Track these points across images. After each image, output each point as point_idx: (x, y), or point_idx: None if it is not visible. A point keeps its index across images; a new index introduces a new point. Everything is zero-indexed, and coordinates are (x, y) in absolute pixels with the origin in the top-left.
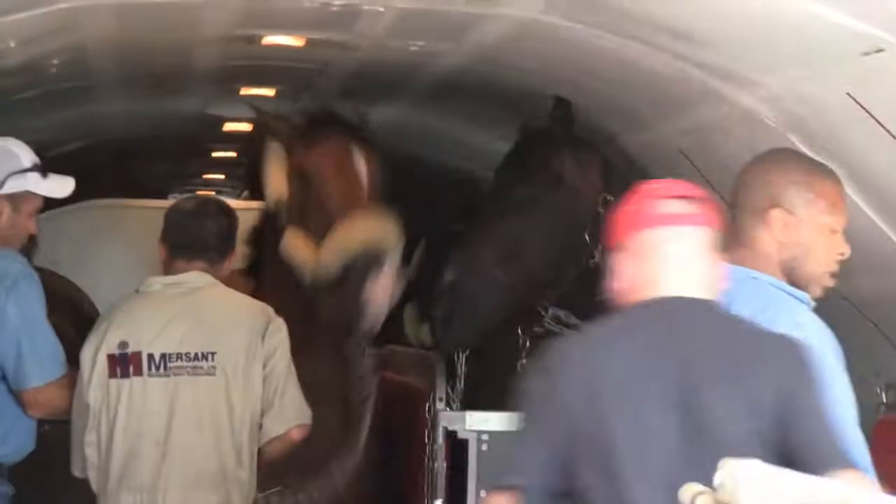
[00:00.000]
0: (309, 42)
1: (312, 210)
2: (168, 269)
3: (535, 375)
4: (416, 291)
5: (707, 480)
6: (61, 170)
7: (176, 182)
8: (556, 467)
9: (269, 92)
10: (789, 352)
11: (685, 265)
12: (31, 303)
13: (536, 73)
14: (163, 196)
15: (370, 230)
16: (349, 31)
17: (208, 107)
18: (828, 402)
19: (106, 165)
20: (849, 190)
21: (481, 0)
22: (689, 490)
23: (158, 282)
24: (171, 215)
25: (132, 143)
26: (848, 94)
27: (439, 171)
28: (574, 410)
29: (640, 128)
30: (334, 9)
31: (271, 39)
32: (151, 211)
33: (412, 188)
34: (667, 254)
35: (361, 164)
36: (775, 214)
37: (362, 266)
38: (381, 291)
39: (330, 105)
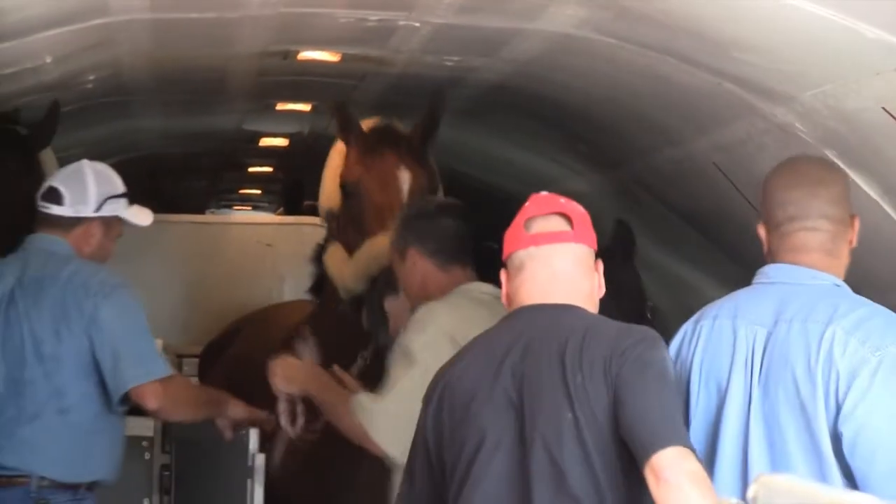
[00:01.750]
0: (344, 57)
1: (351, 224)
2: (439, 278)
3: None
4: None
5: (534, 477)
6: None
7: (212, 197)
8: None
9: (304, 107)
10: (619, 342)
11: (552, 280)
12: (130, 309)
13: (572, 89)
14: (199, 211)
15: None
16: (385, 47)
17: (244, 122)
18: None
19: (141, 181)
20: (884, 205)
21: (516, 16)
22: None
23: (488, 291)
24: (428, 221)
25: (168, 158)
26: (884, 108)
27: (477, 189)
28: (434, 434)
29: (674, 142)
30: (370, 24)
31: (307, 55)
32: (188, 226)
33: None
34: (535, 270)
35: (406, 183)
36: (856, 223)
37: (384, 283)
38: (402, 308)
39: (390, 119)
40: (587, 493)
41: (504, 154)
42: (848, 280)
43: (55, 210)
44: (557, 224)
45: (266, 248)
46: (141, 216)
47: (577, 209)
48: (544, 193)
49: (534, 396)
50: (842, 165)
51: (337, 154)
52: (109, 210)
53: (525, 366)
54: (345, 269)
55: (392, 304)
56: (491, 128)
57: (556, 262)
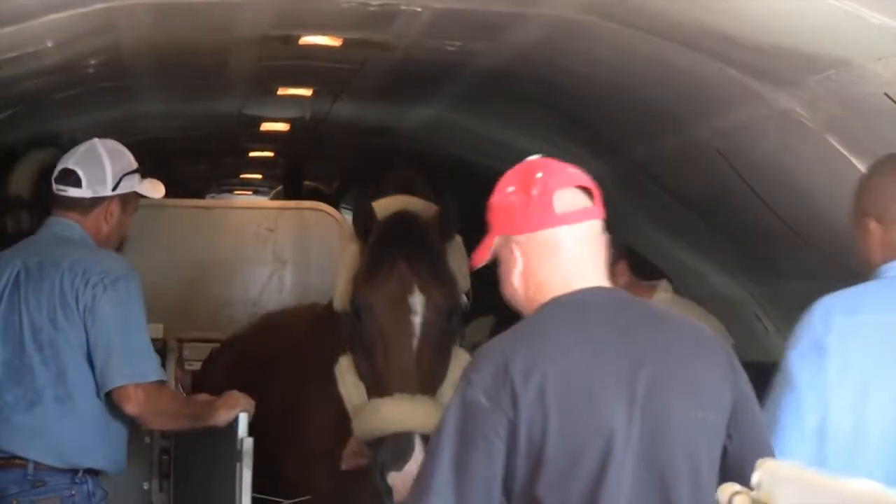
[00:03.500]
0: (346, 42)
1: (361, 350)
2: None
3: (473, 388)
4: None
5: (665, 479)
6: None
7: (213, 182)
8: (496, 488)
9: (305, 92)
10: (724, 349)
11: (588, 259)
12: (130, 302)
13: (573, 74)
14: (200, 196)
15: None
16: (386, 31)
17: (245, 107)
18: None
19: (143, 165)
20: None
21: (518, 0)
22: (726, 490)
23: None
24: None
25: (168, 143)
26: (886, 94)
27: (478, 172)
28: (531, 422)
29: (676, 128)
30: (372, 9)
31: (308, 40)
32: (188, 211)
33: (450, 190)
34: (574, 251)
35: (419, 311)
36: None
37: (388, 452)
38: (406, 480)
39: (408, 200)
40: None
41: (505, 139)
42: (855, 266)
43: (73, 192)
44: (583, 199)
45: (267, 233)
46: (155, 189)
47: (590, 180)
48: (550, 161)
49: (660, 394)
50: (844, 151)
51: (350, 248)
52: (126, 187)
53: (642, 363)
54: (355, 408)
55: (395, 478)
56: (492, 113)
57: (589, 241)
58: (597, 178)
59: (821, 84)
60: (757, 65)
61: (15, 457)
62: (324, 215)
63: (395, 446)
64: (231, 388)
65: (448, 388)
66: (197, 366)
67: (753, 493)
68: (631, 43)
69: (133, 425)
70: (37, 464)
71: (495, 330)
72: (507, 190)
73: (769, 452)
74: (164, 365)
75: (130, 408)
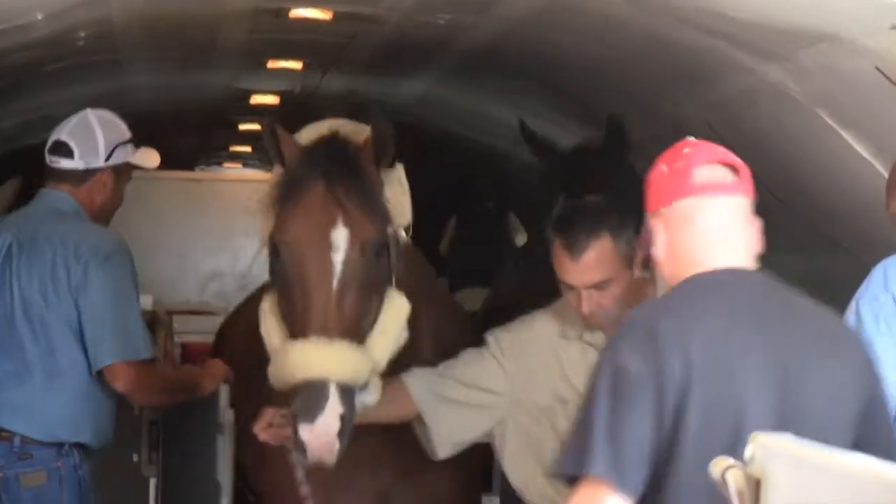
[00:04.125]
0: (336, 15)
1: (279, 291)
2: None
3: (622, 354)
4: (447, 266)
5: None
6: None
7: (202, 154)
8: (648, 453)
9: (296, 65)
10: (859, 342)
11: (731, 235)
12: (122, 280)
13: (563, 48)
14: (189, 168)
15: None
16: (377, 5)
17: (235, 80)
18: None
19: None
20: (877, 165)
21: None
22: (719, 464)
23: None
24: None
25: (159, 115)
26: (877, 67)
27: (468, 147)
28: (676, 391)
29: (668, 101)
30: None
31: (299, 12)
32: (178, 183)
33: (440, 163)
34: (713, 223)
35: (342, 249)
36: None
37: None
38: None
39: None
40: None
41: (495, 113)
42: (846, 241)
43: (65, 164)
44: (726, 175)
45: (252, 206)
46: (150, 159)
47: (738, 159)
48: (702, 142)
49: (808, 377)
50: (834, 125)
51: (272, 177)
52: (119, 157)
53: (784, 345)
54: (273, 352)
55: (307, 432)
56: (483, 87)
57: (730, 215)
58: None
59: (811, 58)
60: (747, 38)
61: (2, 430)
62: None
63: (307, 396)
64: (245, 359)
65: (379, 335)
66: (186, 338)
67: (746, 468)
68: (620, 17)
69: (122, 399)
70: (23, 437)
71: (488, 302)
72: (658, 168)
73: (894, 451)
74: (153, 337)
75: (121, 386)
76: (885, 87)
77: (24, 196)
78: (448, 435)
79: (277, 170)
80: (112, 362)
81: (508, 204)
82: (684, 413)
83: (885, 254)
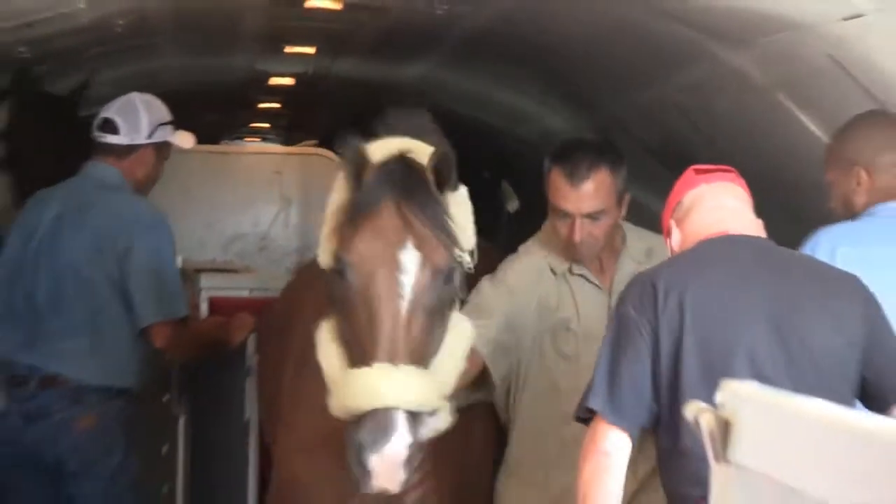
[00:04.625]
0: (346, 5)
1: (342, 314)
2: None
3: (625, 303)
4: None
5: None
6: None
7: (226, 130)
8: (645, 391)
9: (310, 50)
10: (860, 283)
11: (730, 210)
12: (162, 247)
13: (550, 35)
14: (214, 142)
15: None
16: None
17: (256, 63)
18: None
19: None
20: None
21: None
22: (692, 408)
23: None
24: None
25: (187, 95)
26: (829, 55)
27: (466, 124)
28: (672, 335)
29: (642, 84)
30: None
31: (313, 3)
32: (205, 155)
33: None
34: (711, 203)
35: (411, 270)
36: None
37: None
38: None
39: (408, 145)
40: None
41: (490, 93)
42: (804, 214)
43: (111, 139)
44: (718, 172)
45: (275, 175)
46: (186, 140)
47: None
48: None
49: (805, 321)
50: (792, 106)
51: (337, 196)
52: (160, 136)
53: (780, 288)
54: (334, 381)
55: (375, 462)
56: (478, 69)
57: (726, 195)
58: (571, 128)
59: (772, 44)
60: (712, 26)
61: (58, 376)
62: (325, 160)
63: (374, 424)
64: (280, 343)
65: (445, 360)
66: (212, 293)
67: (717, 412)
68: (603, 6)
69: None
70: (78, 383)
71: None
72: (672, 190)
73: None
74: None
75: (159, 343)
76: (837, 73)
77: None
78: (497, 374)
79: (342, 188)
80: (152, 322)
81: (503, 173)
82: (681, 354)
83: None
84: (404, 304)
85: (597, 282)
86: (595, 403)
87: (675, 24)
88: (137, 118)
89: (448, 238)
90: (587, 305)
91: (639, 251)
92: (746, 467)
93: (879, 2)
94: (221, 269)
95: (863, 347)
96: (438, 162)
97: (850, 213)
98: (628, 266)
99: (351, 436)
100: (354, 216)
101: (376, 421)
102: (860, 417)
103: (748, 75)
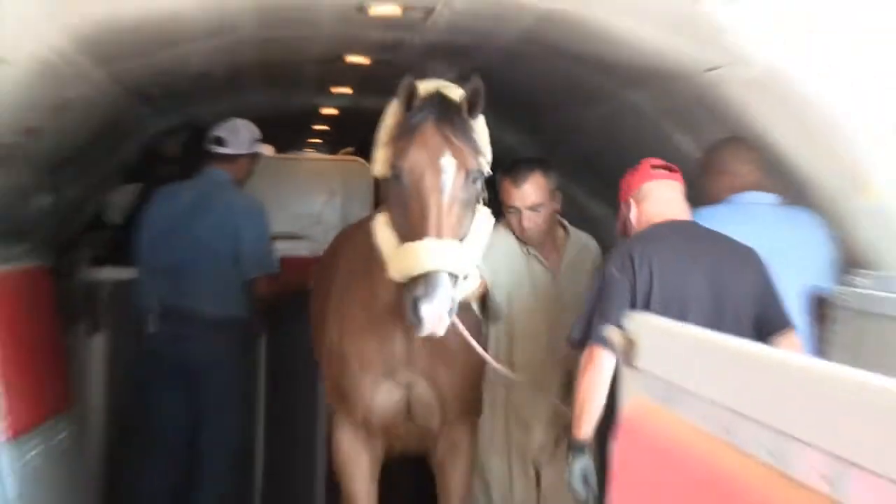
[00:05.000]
0: (373, 62)
1: (397, 207)
2: None
3: (611, 266)
4: None
5: (722, 320)
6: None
7: (292, 144)
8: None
9: (348, 90)
10: (754, 251)
11: (674, 201)
12: (262, 224)
13: (511, 78)
14: (283, 152)
15: None
16: (396, 52)
17: (311, 99)
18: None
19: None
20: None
21: (478, 35)
22: (611, 332)
23: None
24: None
25: (265, 118)
26: (697, 95)
27: None
28: (640, 295)
29: (574, 113)
30: (384, 46)
31: (351, 59)
32: (278, 161)
33: None
34: (663, 195)
35: (451, 175)
36: None
37: (419, 287)
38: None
39: (438, 83)
40: (749, 336)
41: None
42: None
43: (221, 150)
44: (666, 171)
45: (323, 175)
46: (269, 150)
47: (670, 164)
48: (655, 160)
49: (725, 277)
50: (671, 130)
51: (391, 115)
52: (254, 148)
53: (718, 263)
54: (390, 255)
55: (427, 310)
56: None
57: (671, 191)
58: (524, 144)
59: (658, 87)
60: (619, 74)
61: (192, 310)
62: (357, 164)
63: (427, 282)
64: (329, 283)
65: (473, 239)
66: (283, 253)
67: (625, 334)
68: (551, 61)
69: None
70: (203, 314)
71: None
72: (628, 173)
73: (786, 318)
74: None
75: (260, 289)
76: (703, 108)
77: (147, 195)
78: (495, 296)
79: (395, 111)
80: (255, 276)
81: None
82: (650, 303)
83: None
84: (445, 197)
85: (545, 263)
86: (591, 334)
87: (594, 72)
88: (239, 136)
89: (475, 150)
90: (535, 277)
91: (579, 244)
92: (643, 369)
93: (730, 59)
94: (289, 237)
95: (758, 294)
96: (471, 93)
97: (715, 202)
98: (572, 254)
99: (407, 293)
100: (405, 133)
101: (427, 280)
102: (719, 337)
103: (642, 108)
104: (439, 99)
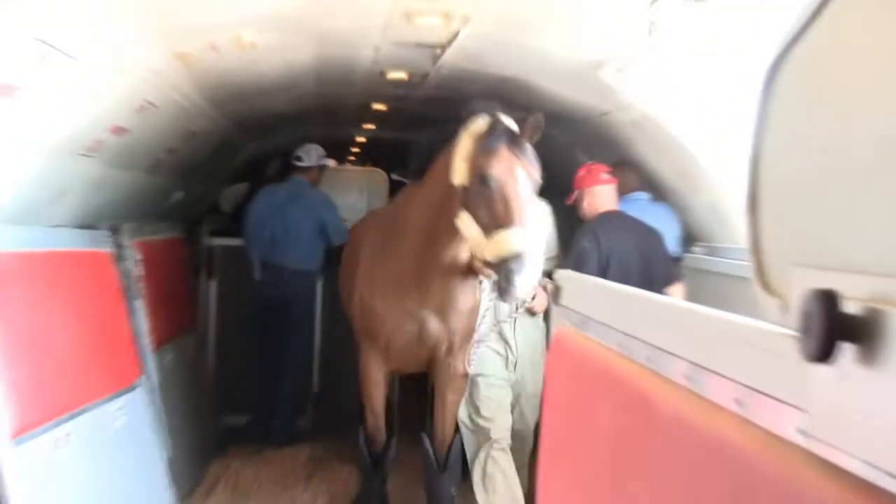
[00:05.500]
0: (390, 108)
1: (483, 206)
2: None
3: (584, 241)
4: None
5: (647, 278)
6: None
7: (338, 160)
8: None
9: (373, 126)
10: (657, 230)
11: (612, 198)
12: (334, 210)
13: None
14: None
15: None
16: (406, 101)
17: (349, 131)
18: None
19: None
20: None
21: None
22: (544, 281)
23: None
24: None
25: (320, 142)
26: (596, 132)
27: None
28: (603, 259)
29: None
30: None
31: (375, 107)
32: (332, 171)
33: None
34: (606, 193)
35: (529, 182)
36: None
37: (512, 263)
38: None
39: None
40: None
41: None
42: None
43: (301, 164)
44: (607, 175)
45: (358, 181)
46: (333, 163)
47: (610, 169)
48: (597, 164)
49: (650, 253)
50: (580, 156)
51: (467, 141)
52: (321, 162)
53: (642, 238)
54: (481, 242)
55: (520, 279)
56: (432, 127)
57: (611, 190)
58: None
59: (568, 123)
60: (546, 115)
61: (285, 264)
62: (379, 174)
63: (519, 259)
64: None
65: (539, 228)
66: None
67: (555, 282)
68: (504, 107)
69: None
70: (295, 267)
71: None
72: (581, 170)
73: (675, 274)
74: None
75: (340, 251)
76: (599, 140)
77: (250, 193)
78: None
79: (470, 137)
80: (340, 243)
81: None
82: (608, 271)
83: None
84: (524, 196)
85: None
86: None
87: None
88: (311, 154)
89: (534, 166)
90: None
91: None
92: (566, 306)
93: (617, 107)
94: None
95: (661, 259)
96: (532, 124)
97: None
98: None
99: (502, 269)
100: (485, 152)
101: (520, 258)
102: (611, 284)
103: (558, 139)
104: (505, 127)
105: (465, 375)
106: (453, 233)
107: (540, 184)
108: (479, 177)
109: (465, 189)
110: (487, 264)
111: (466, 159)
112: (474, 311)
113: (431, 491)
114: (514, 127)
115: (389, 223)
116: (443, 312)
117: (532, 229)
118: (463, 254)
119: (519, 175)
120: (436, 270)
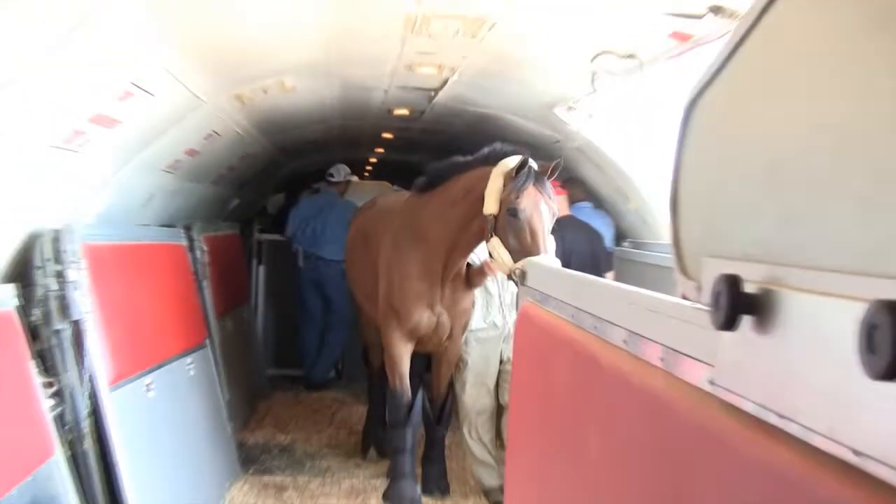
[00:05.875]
0: (395, 137)
1: (512, 234)
2: None
3: (561, 237)
4: None
5: (594, 265)
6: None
7: (357, 175)
8: None
9: (383, 150)
10: (598, 232)
11: (564, 206)
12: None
13: (458, 132)
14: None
15: None
16: (412, 125)
17: (364, 154)
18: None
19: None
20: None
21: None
22: (513, 266)
23: None
24: None
25: (343, 161)
26: (551, 157)
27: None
28: (569, 251)
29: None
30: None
31: (384, 136)
32: (354, 184)
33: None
34: (562, 203)
35: (552, 214)
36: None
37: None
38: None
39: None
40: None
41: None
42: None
43: (332, 179)
44: (562, 190)
45: (370, 191)
46: (354, 178)
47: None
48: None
49: (596, 248)
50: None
51: (498, 178)
52: (347, 177)
53: (589, 237)
54: (508, 264)
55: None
56: (423, 150)
57: (562, 200)
58: None
59: (532, 150)
60: (514, 143)
61: (322, 256)
62: (387, 185)
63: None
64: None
65: (552, 251)
66: None
67: (523, 267)
68: (480, 137)
69: None
70: (330, 258)
71: None
72: (557, 187)
73: (609, 265)
74: None
75: None
76: (544, 161)
77: (287, 201)
78: None
79: (500, 173)
80: None
81: None
82: (570, 262)
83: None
84: (546, 228)
85: None
86: None
87: (501, 143)
88: (340, 172)
89: (554, 202)
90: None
91: None
92: (531, 287)
93: (566, 137)
94: None
95: (601, 254)
96: (554, 167)
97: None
98: None
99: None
100: (515, 189)
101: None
102: (565, 271)
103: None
104: (530, 168)
105: (457, 354)
106: (467, 250)
107: (555, 214)
108: (511, 210)
109: (495, 218)
110: (509, 274)
111: (498, 193)
112: (469, 310)
113: (428, 434)
114: (537, 167)
115: (410, 226)
116: (450, 310)
117: (552, 254)
118: (464, 267)
119: (543, 210)
120: (449, 277)
